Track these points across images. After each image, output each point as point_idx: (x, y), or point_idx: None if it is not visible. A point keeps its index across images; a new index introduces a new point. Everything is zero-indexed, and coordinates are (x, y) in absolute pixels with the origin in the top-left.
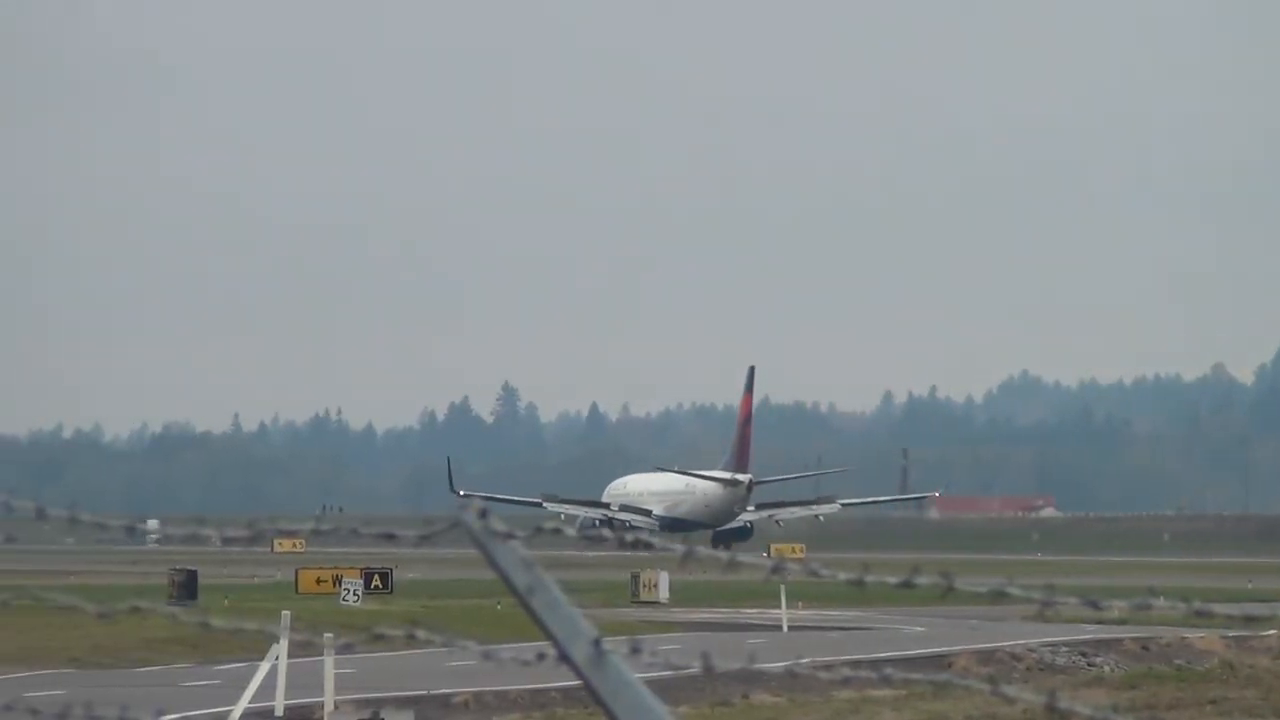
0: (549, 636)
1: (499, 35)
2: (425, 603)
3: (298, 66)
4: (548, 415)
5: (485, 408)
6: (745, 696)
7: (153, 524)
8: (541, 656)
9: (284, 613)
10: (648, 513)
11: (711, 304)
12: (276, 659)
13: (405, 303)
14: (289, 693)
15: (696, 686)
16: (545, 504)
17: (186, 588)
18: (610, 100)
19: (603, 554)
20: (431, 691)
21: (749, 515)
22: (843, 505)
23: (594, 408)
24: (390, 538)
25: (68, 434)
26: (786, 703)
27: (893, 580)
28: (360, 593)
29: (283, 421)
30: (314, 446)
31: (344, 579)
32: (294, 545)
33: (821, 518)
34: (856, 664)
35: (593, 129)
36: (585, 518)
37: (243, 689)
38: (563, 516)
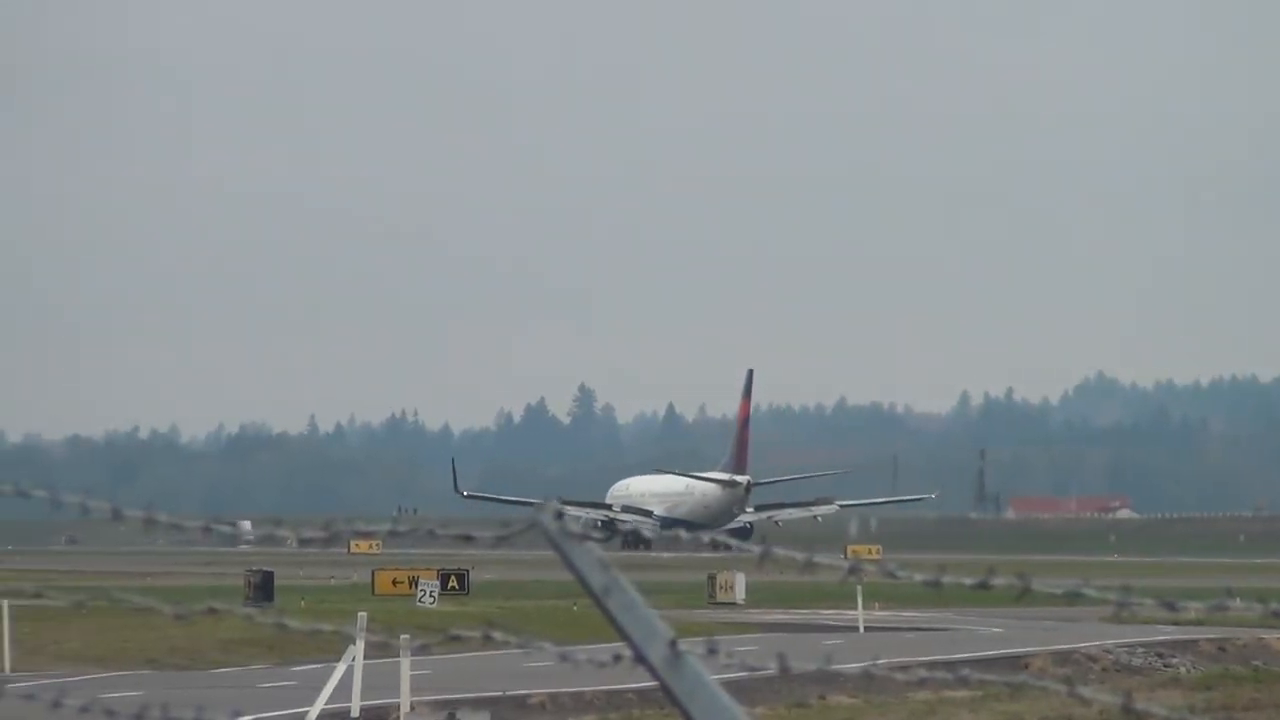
0: (625, 638)
1: (546, 38)
2: (501, 604)
3: (367, 63)
4: (624, 416)
5: (562, 409)
6: (822, 698)
7: (245, 525)
8: (618, 658)
9: (360, 614)
10: (649, 514)
11: (787, 305)
12: (353, 660)
13: (482, 304)
14: (365, 694)
15: (773, 688)
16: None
17: (263, 589)
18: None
19: (667, 555)
20: (507, 692)
21: (749, 516)
22: (840, 506)
23: (670, 408)
24: (467, 539)
25: (144, 435)
26: (863, 704)
27: (969, 581)
28: (436, 594)
29: (359, 422)
30: (390, 448)
31: (420, 580)
32: (370, 546)
33: (820, 518)
34: (933, 665)
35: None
36: (588, 518)
37: (319, 690)
38: (564, 518)
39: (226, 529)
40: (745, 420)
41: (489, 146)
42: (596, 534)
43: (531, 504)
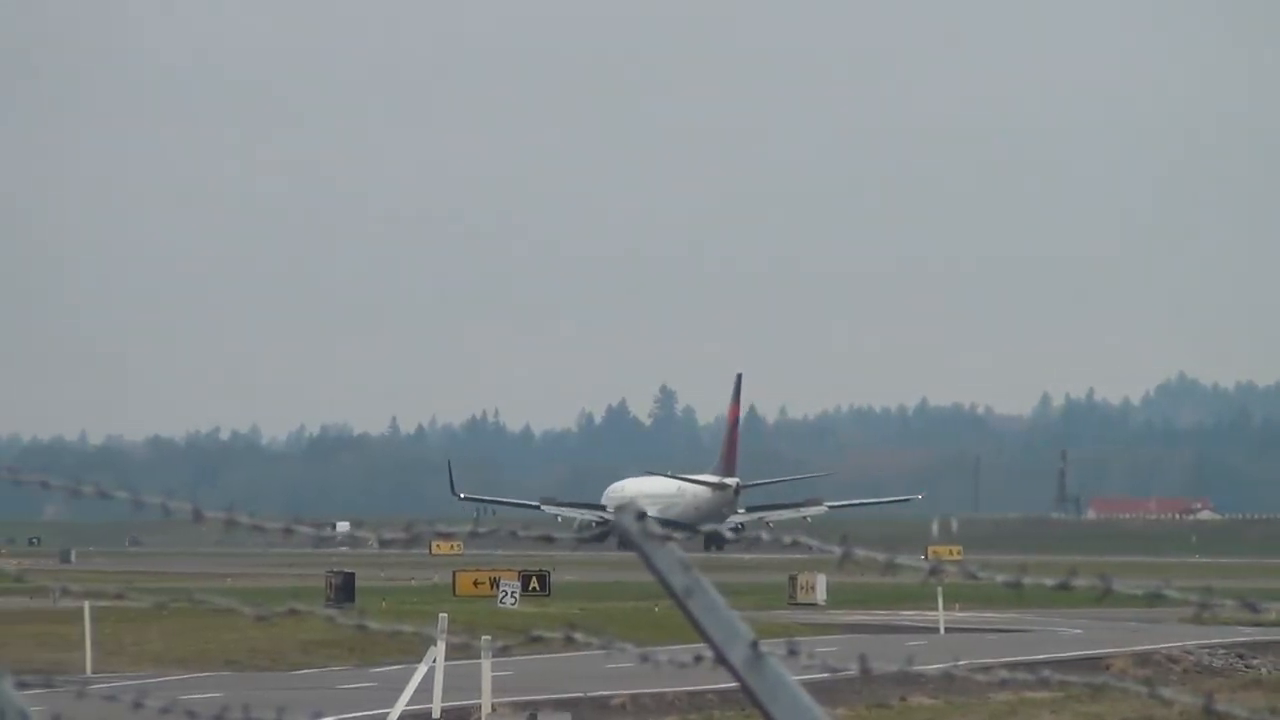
0: (706, 639)
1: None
2: (582, 605)
3: (477, 59)
4: (705, 418)
5: (643, 410)
6: (903, 699)
7: (343, 526)
8: (699, 659)
9: (441, 615)
10: (642, 514)
11: (869, 306)
12: (434, 661)
13: (564, 305)
14: (446, 695)
15: (854, 689)
16: (544, 507)
17: (344, 590)
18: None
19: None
20: (589, 694)
21: (739, 517)
22: (829, 508)
23: (751, 410)
24: (548, 540)
25: (225, 436)
26: (943, 705)
27: (1050, 582)
28: (517, 595)
29: (440, 423)
30: (471, 448)
31: (501, 581)
32: (451, 548)
33: (809, 519)
34: (1014, 666)
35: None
36: (582, 519)
37: (400, 691)
38: (560, 519)
39: (308, 530)
40: (734, 423)
41: (560, 141)
42: (590, 534)
43: (531, 507)
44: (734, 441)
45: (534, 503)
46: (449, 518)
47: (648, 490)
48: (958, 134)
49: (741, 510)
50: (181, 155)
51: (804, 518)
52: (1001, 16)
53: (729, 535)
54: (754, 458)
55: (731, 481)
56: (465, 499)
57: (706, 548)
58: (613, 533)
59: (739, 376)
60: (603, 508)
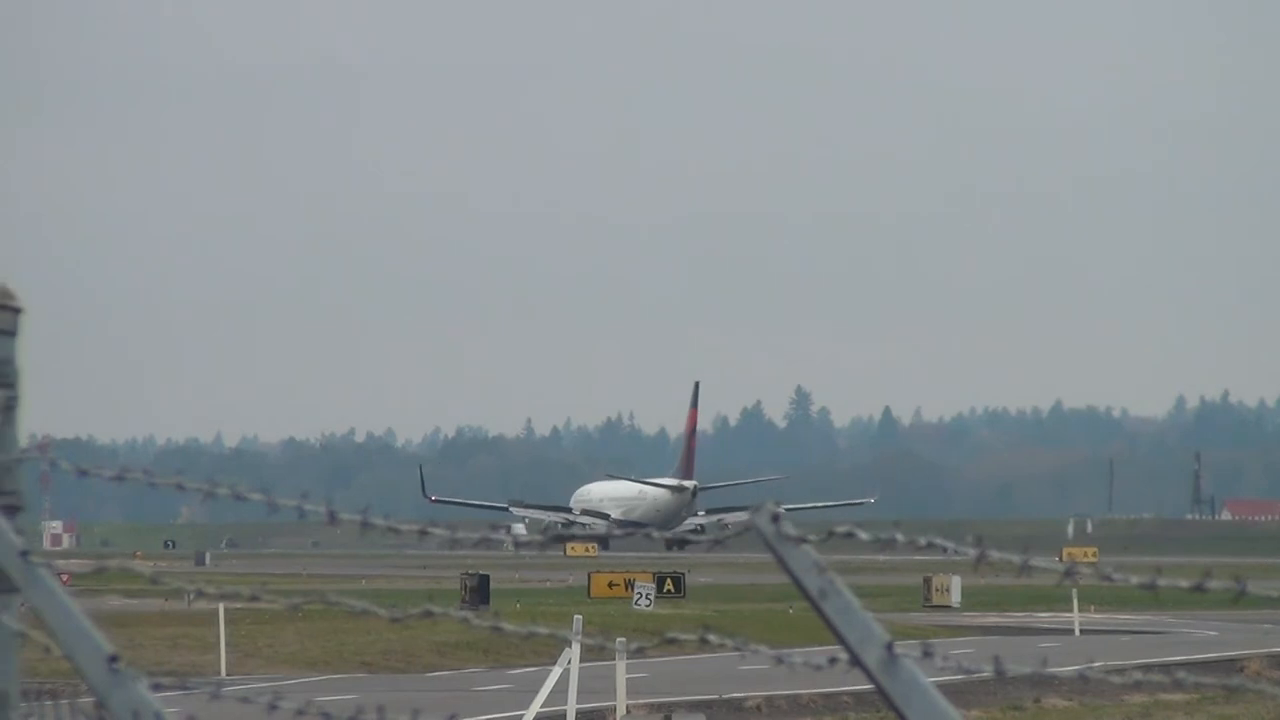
0: (841, 640)
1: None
2: (717, 607)
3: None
4: (840, 420)
5: (778, 411)
6: (1037, 700)
7: (519, 529)
8: (833, 660)
9: (576, 617)
10: (606, 516)
11: (1001, 309)
12: (568, 663)
13: (699, 306)
14: (581, 697)
15: (988, 690)
16: (511, 509)
17: (479, 592)
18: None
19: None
20: (723, 695)
21: (700, 519)
22: (787, 510)
23: (886, 412)
24: (685, 543)
25: (360, 438)
26: (1078, 707)
27: (1184, 584)
28: (652, 597)
29: (575, 426)
30: (606, 450)
31: (636, 583)
32: (586, 549)
33: None
34: (1148, 668)
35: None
36: (549, 521)
37: (534, 693)
38: (528, 520)
39: (442, 533)
40: (692, 430)
41: (676, 153)
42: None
43: (500, 509)
44: (691, 447)
45: (503, 505)
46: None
47: (612, 493)
48: (1088, 138)
49: (701, 512)
50: (308, 163)
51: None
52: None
53: (690, 536)
54: (890, 458)
55: (689, 484)
56: (435, 501)
57: (668, 548)
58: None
59: (696, 385)
60: (569, 510)
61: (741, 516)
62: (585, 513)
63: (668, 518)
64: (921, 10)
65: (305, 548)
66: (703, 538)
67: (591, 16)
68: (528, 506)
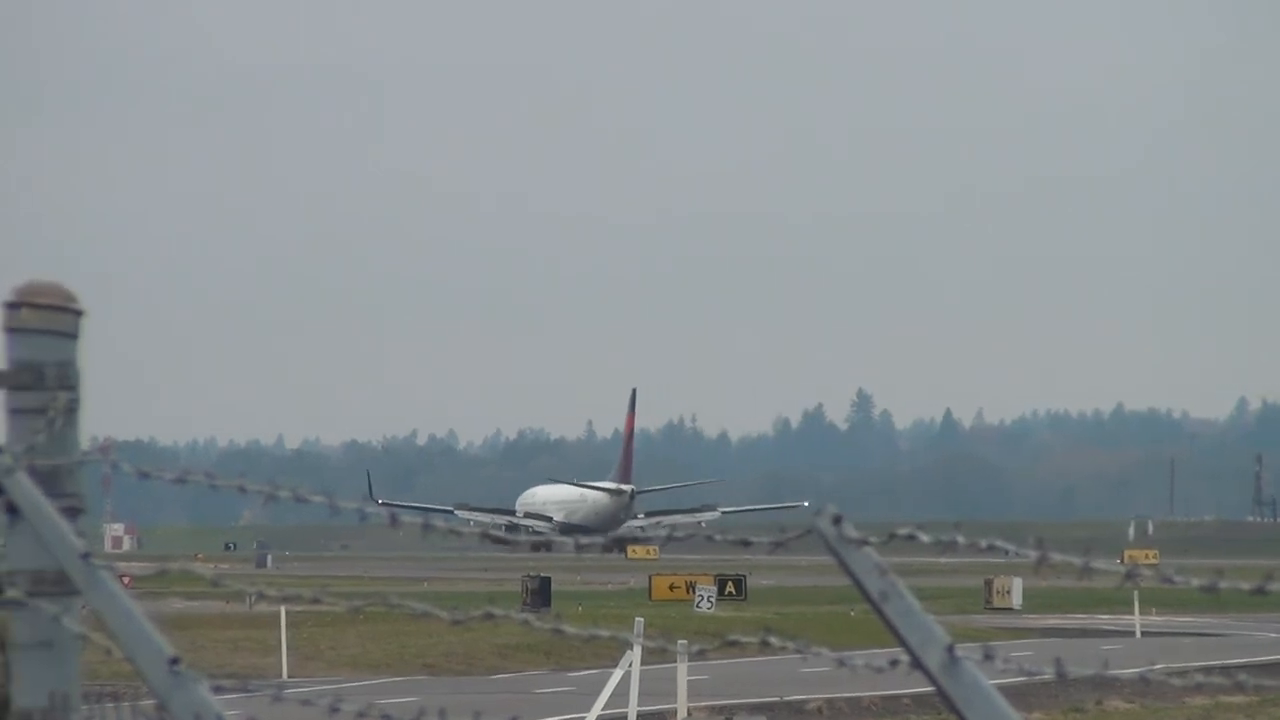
0: (902, 643)
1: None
2: (778, 609)
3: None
4: (902, 422)
5: (839, 414)
6: (1098, 703)
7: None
8: (894, 663)
9: (637, 619)
10: (549, 519)
11: (1062, 311)
12: (630, 665)
13: (762, 310)
14: (642, 699)
15: (1050, 693)
16: (457, 511)
17: (540, 594)
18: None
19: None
20: (785, 698)
21: (640, 521)
22: (723, 513)
23: (948, 414)
24: (745, 544)
25: (421, 441)
26: (1139, 709)
27: (1246, 586)
28: (714, 599)
29: (637, 428)
30: (668, 453)
31: (698, 585)
32: (648, 552)
33: (704, 524)
34: (1209, 670)
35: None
36: (494, 524)
37: (596, 696)
38: (472, 523)
39: (502, 534)
40: (630, 435)
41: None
42: (500, 536)
43: (445, 511)
44: (629, 451)
45: (448, 508)
46: (642, 523)
47: (555, 497)
48: (1139, 135)
49: (640, 515)
50: (372, 172)
51: (699, 522)
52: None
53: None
54: (951, 460)
55: (627, 488)
56: (383, 504)
57: (607, 550)
58: (524, 534)
59: (633, 391)
60: (514, 513)
61: (680, 519)
62: (529, 515)
63: (607, 520)
64: (921, 10)
65: (333, 549)
66: (648, 536)
67: (591, 16)
68: (473, 509)
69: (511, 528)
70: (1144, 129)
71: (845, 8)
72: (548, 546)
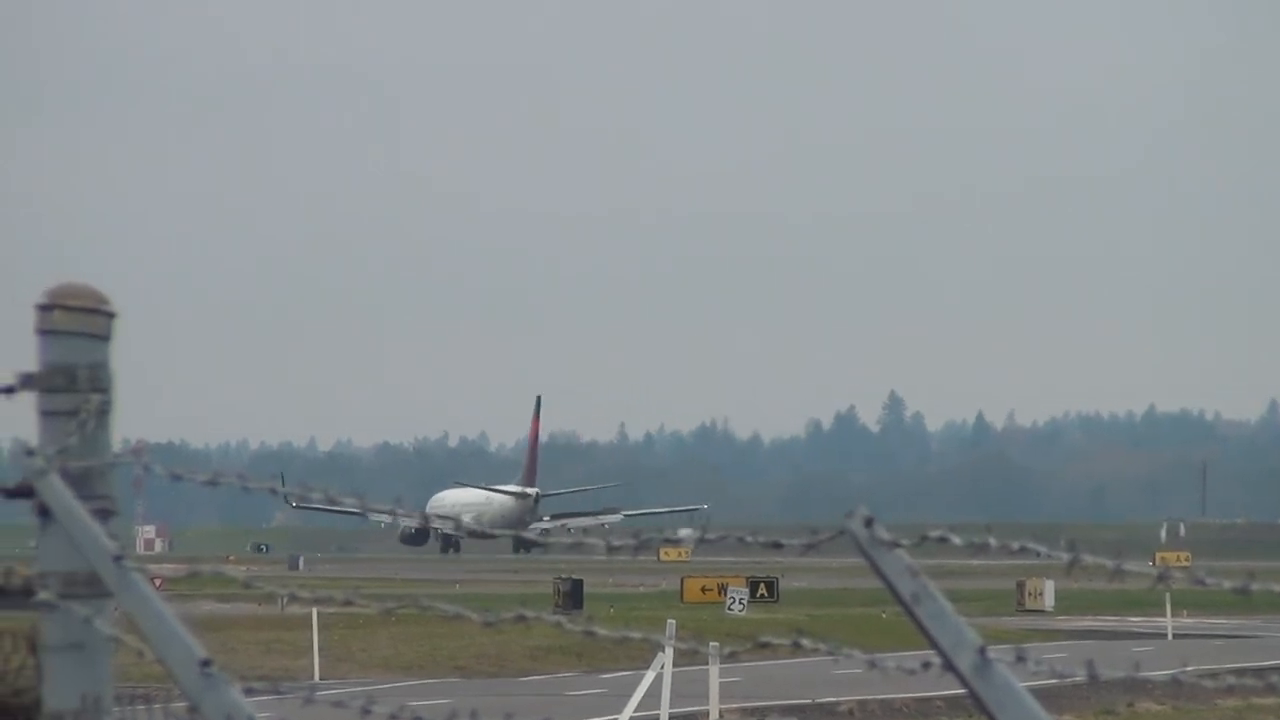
0: (934, 645)
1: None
2: (810, 611)
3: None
4: (933, 424)
5: (871, 416)
6: (1130, 705)
7: (684, 533)
8: (926, 665)
9: (669, 621)
10: (458, 521)
11: (1092, 311)
12: (662, 667)
13: (792, 311)
14: (674, 701)
15: (1082, 695)
16: (368, 514)
17: (572, 596)
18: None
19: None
20: (816, 700)
21: (543, 524)
22: (625, 516)
23: (979, 416)
24: (777, 546)
25: (453, 443)
26: (1171, 711)
27: (1278, 588)
28: (746, 601)
29: (668, 431)
30: (699, 456)
31: (730, 587)
32: (680, 554)
33: (606, 525)
34: (1241, 672)
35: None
36: (404, 526)
37: (628, 698)
38: (383, 525)
39: (536, 538)
40: (535, 440)
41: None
42: (412, 538)
43: (357, 514)
44: (534, 456)
45: (358, 510)
46: (674, 524)
47: (463, 500)
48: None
49: (546, 517)
50: (372, 171)
51: (602, 524)
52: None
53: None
54: (983, 462)
55: (532, 491)
56: (298, 506)
57: (515, 550)
58: (433, 536)
59: (538, 399)
60: (424, 514)
61: (584, 521)
62: (439, 518)
63: (513, 522)
64: (921, 10)
65: (331, 552)
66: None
67: (591, 16)
68: (383, 511)
69: (421, 530)
70: (1144, 129)
71: (845, 8)
72: (456, 547)
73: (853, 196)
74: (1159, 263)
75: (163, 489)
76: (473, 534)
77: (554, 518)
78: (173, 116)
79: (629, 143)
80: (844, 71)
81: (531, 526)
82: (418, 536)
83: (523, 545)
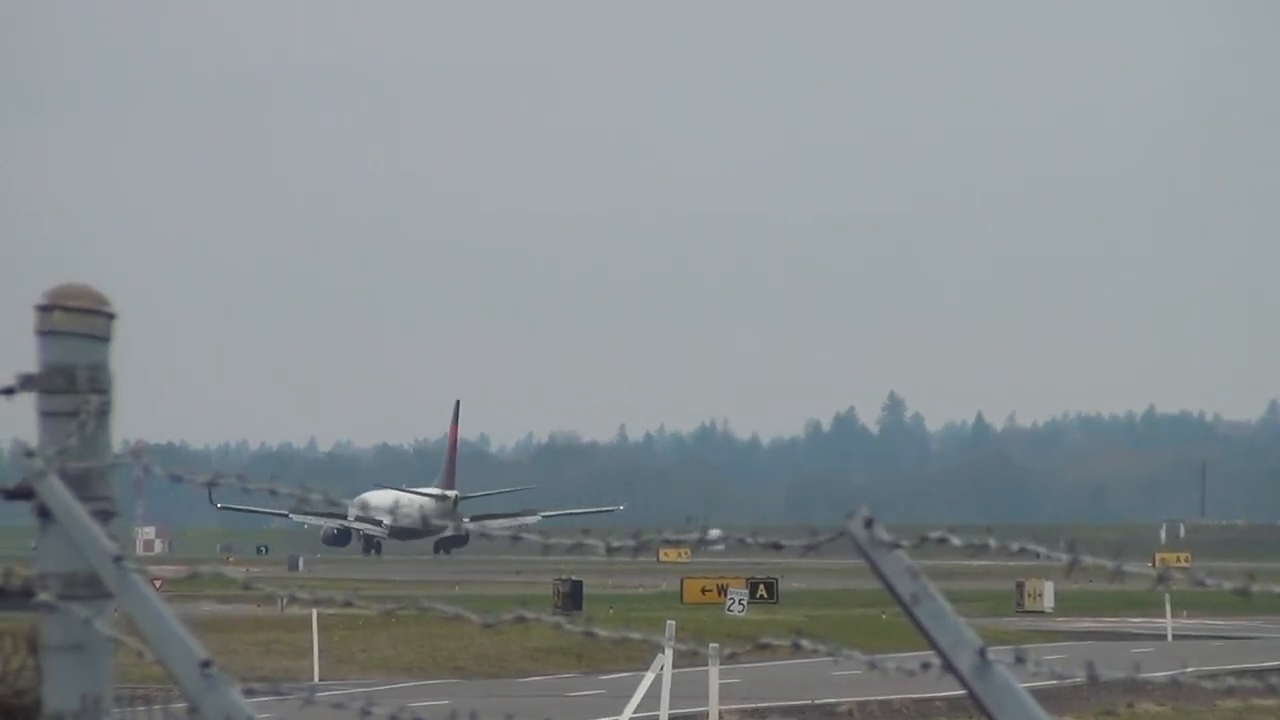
0: (934, 646)
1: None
2: (810, 612)
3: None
4: (933, 425)
5: (871, 417)
6: (1130, 706)
7: (714, 533)
8: (926, 666)
9: (669, 622)
10: (379, 522)
11: (1095, 313)
12: (661, 669)
13: (791, 311)
14: (673, 702)
15: (1081, 696)
16: (292, 515)
17: (571, 598)
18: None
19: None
20: (816, 701)
21: (465, 525)
22: (543, 517)
23: (979, 417)
24: (777, 547)
25: None
26: (1171, 712)
27: (1278, 589)
28: (745, 602)
29: (668, 432)
30: (699, 457)
31: (729, 589)
32: (679, 555)
33: (524, 526)
34: (1241, 673)
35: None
36: (327, 527)
37: (627, 699)
38: (306, 526)
39: (535, 539)
40: (454, 444)
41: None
42: (335, 539)
43: (280, 515)
44: (453, 459)
45: (283, 511)
46: (676, 524)
47: (384, 502)
48: (1179, 139)
49: (467, 519)
50: (396, 175)
51: (520, 525)
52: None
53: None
54: (983, 462)
55: (451, 493)
56: (222, 508)
57: (436, 551)
58: (354, 536)
59: (457, 403)
60: (344, 516)
61: (503, 522)
62: (359, 519)
63: (432, 524)
64: (921, 10)
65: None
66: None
67: (591, 16)
68: (306, 513)
69: (343, 530)
70: (1144, 129)
71: (845, 8)
72: (378, 549)
73: (853, 196)
74: (1159, 263)
75: (162, 490)
76: (394, 533)
77: (473, 519)
78: (173, 116)
79: (629, 143)
80: (844, 71)
81: (451, 528)
82: (340, 537)
83: (443, 545)
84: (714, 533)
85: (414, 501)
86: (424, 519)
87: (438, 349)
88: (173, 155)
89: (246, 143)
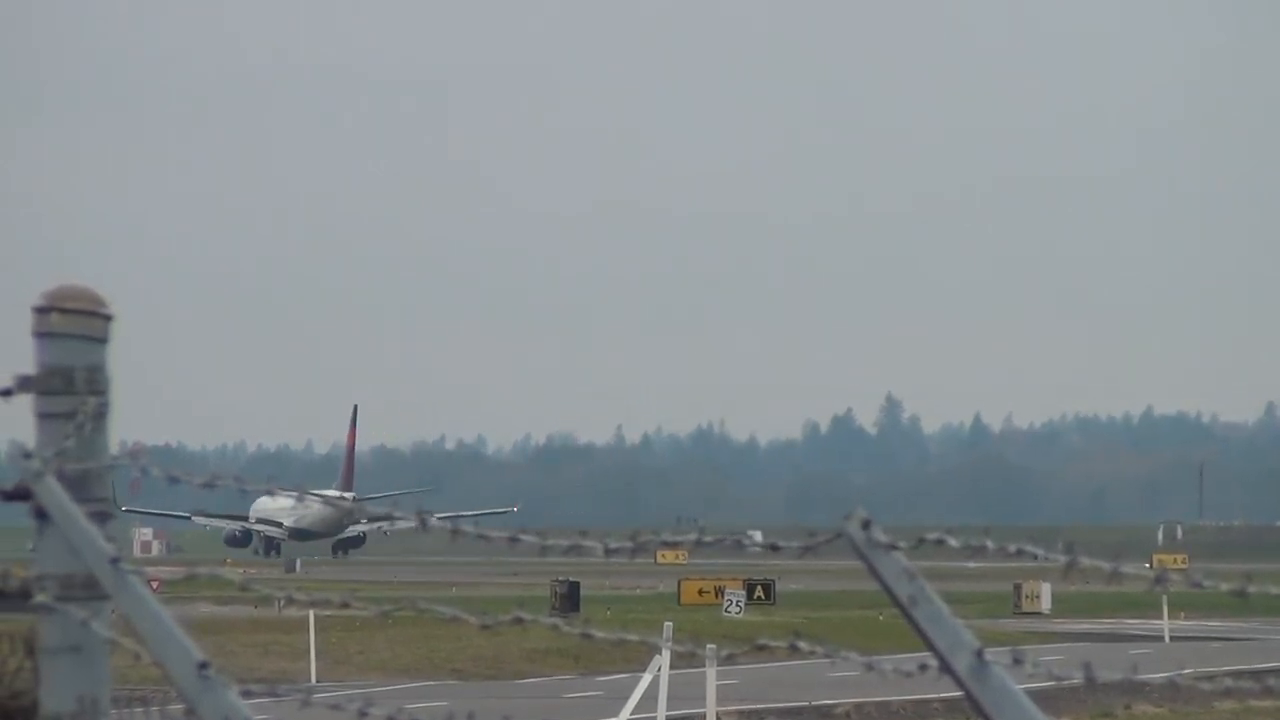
0: (931, 648)
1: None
2: (807, 614)
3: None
4: (931, 426)
5: (868, 418)
6: (1127, 707)
7: (756, 535)
8: (923, 667)
9: (666, 624)
10: (279, 524)
11: (1086, 312)
12: (658, 670)
13: (791, 311)
14: (670, 704)
15: (1078, 697)
16: (194, 518)
17: (569, 599)
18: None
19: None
20: (813, 702)
21: (360, 527)
22: (438, 519)
23: (977, 418)
24: (774, 549)
25: (450, 445)
26: (1168, 713)
27: (1276, 591)
28: (743, 604)
29: (666, 433)
30: (697, 458)
31: (727, 590)
32: (677, 557)
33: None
34: (1239, 674)
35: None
36: (229, 529)
37: (624, 700)
38: (208, 528)
39: (532, 540)
40: (352, 447)
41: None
42: (236, 541)
43: (182, 518)
44: (351, 462)
45: (185, 514)
46: (674, 526)
47: (284, 504)
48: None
49: (363, 520)
50: (396, 175)
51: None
52: None
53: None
54: (980, 464)
55: (349, 495)
56: (126, 510)
57: (334, 553)
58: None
59: (355, 408)
60: (246, 519)
61: (401, 524)
62: (260, 521)
63: (332, 526)
64: (921, 10)
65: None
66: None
67: (591, 16)
68: (210, 515)
69: (245, 532)
70: (1144, 129)
71: (845, 8)
72: (278, 550)
73: (853, 196)
74: (1158, 263)
75: (160, 491)
76: (294, 535)
77: (372, 520)
78: (173, 116)
79: (629, 143)
80: (844, 71)
81: (350, 529)
82: (242, 539)
83: (341, 546)
84: (755, 535)
85: (312, 504)
86: (322, 520)
87: (436, 349)
88: (173, 155)
89: (246, 143)
